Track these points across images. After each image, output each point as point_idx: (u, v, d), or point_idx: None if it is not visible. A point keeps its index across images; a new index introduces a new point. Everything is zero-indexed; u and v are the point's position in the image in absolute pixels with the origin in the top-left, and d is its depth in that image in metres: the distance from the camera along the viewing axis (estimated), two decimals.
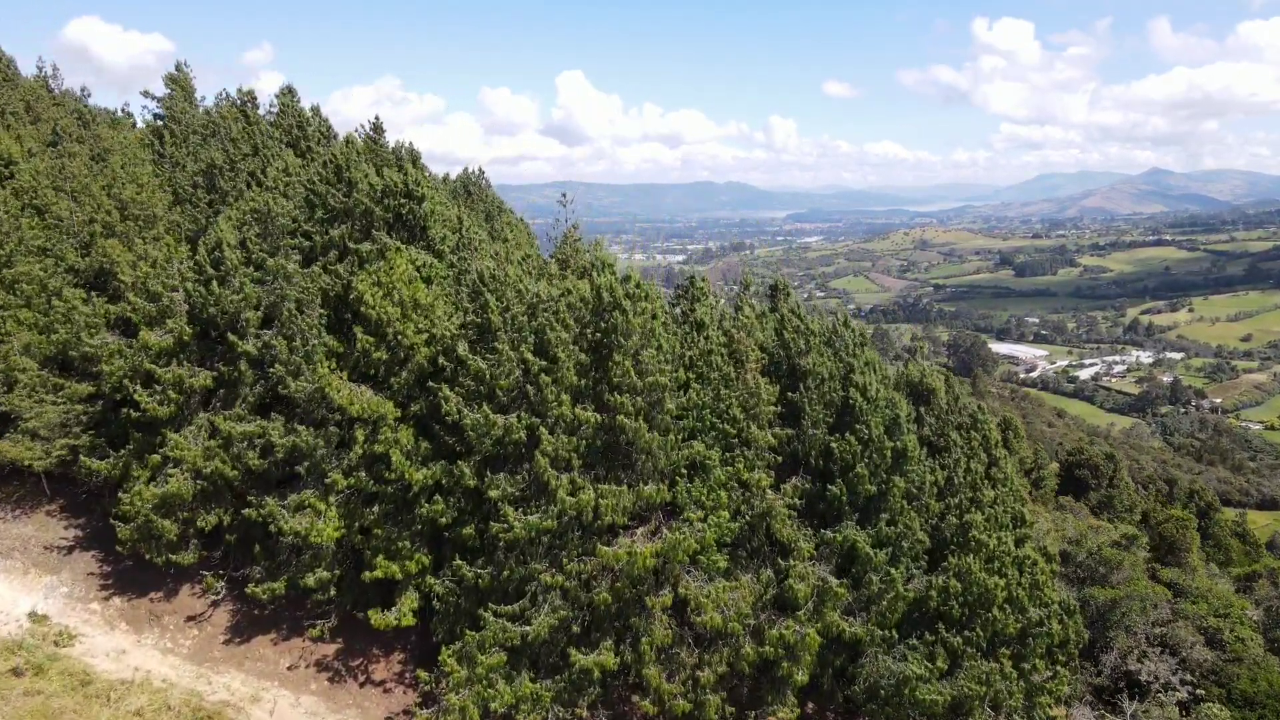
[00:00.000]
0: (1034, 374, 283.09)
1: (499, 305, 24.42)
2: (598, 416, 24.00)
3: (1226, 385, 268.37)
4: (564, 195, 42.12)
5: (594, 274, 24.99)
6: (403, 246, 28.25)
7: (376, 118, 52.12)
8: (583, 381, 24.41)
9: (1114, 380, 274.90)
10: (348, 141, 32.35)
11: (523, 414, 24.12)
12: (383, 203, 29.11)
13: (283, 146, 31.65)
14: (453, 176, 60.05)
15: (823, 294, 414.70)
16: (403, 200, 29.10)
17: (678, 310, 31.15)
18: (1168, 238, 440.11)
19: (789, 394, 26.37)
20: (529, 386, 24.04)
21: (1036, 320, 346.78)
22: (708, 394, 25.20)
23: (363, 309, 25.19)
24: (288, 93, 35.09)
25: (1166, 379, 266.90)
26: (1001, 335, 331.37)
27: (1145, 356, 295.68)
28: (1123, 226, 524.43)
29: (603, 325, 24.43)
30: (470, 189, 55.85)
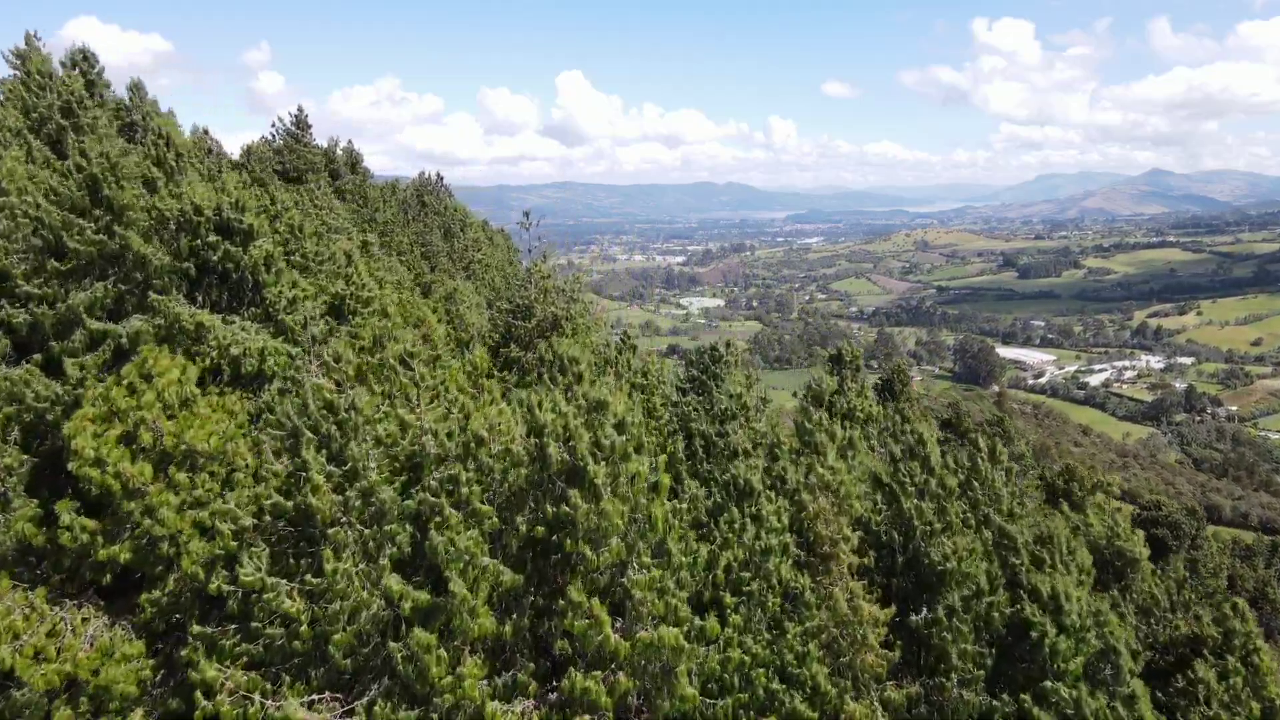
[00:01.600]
0: (1042, 380, 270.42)
1: (330, 472, 11.50)
2: (537, 713, 11.17)
3: (1241, 392, 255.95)
4: (526, 214, 29.28)
5: (539, 405, 12.03)
6: (208, 323, 15.28)
7: (299, 108, 39.06)
8: (506, 626, 11.62)
9: (1125, 386, 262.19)
10: (160, 138, 19.30)
11: (382, 701, 11.30)
12: (178, 242, 16.16)
13: (33, 141, 18.70)
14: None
15: (824, 296, 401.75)
16: (214, 239, 16.10)
17: (691, 402, 18.21)
18: (1171, 239, 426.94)
19: (909, 614, 13.54)
20: (393, 644, 11.24)
21: (1042, 323, 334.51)
22: (760, 637, 12.36)
23: (76, 466, 12.31)
24: (82, 58, 21.77)
25: (1180, 385, 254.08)
26: (1007, 339, 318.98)
27: (1155, 361, 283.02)
28: (1125, 227, 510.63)
29: (550, 510, 11.63)
30: (424, 199, 42.96)
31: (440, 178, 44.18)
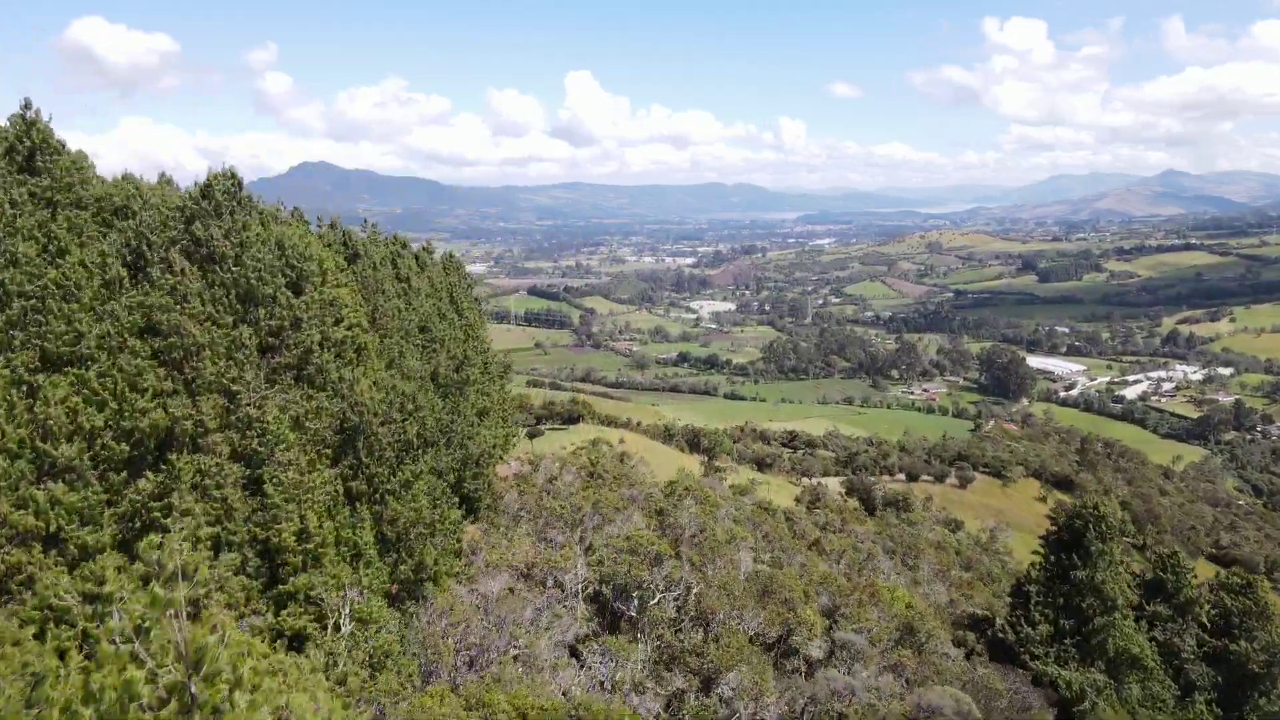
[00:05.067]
0: (1073, 392, 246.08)
1: None
2: None
3: None
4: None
5: None
6: None
7: None
8: None
9: (1164, 400, 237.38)
10: None
11: None
12: None
13: None
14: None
15: (838, 300, 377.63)
16: None
17: None
18: (1194, 241, 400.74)
19: None
20: None
21: (1067, 330, 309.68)
22: None
23: None
24: None
25: (1224, 399, 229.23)
26: (1031, 346, 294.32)
27: (1193, 372, 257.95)
28: (1142, 229, 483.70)
29: None
30: (196, 228, 19.73)
31: (238, 184, 20.66)
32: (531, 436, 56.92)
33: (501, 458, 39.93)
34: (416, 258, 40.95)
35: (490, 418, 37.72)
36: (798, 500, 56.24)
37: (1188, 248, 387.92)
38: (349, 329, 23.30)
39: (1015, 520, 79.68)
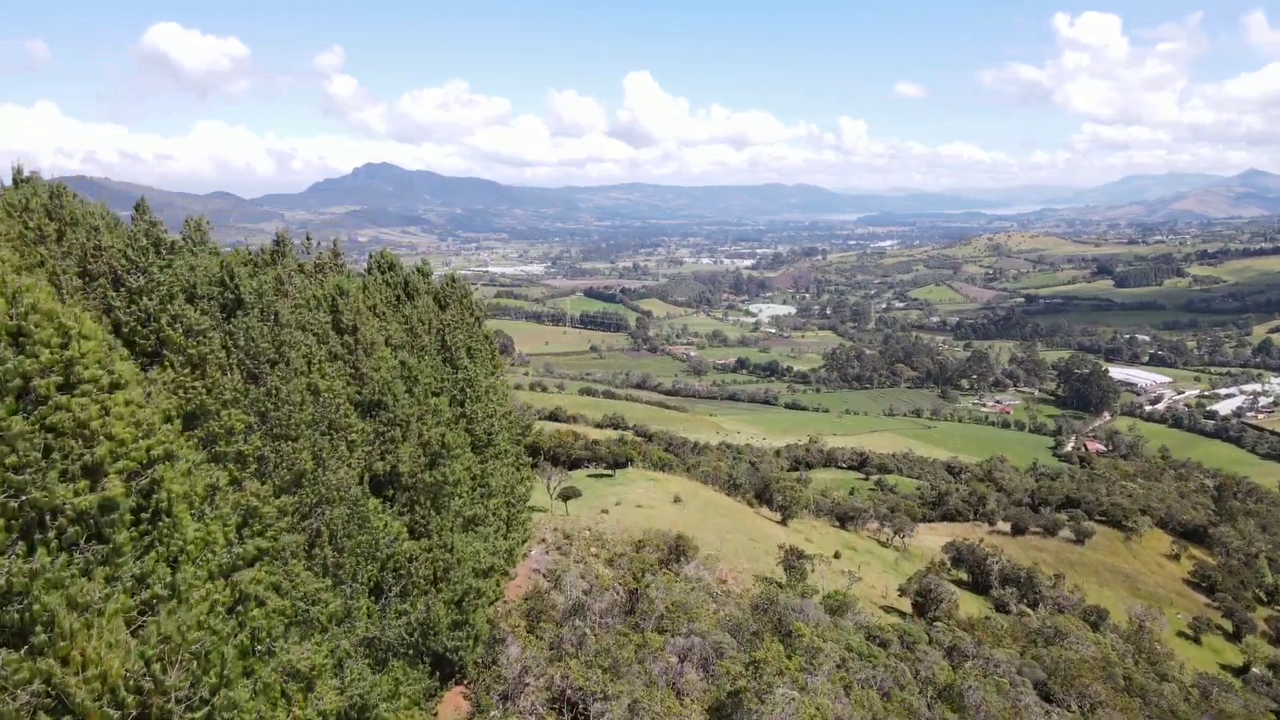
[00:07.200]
0: (1159, 406, 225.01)
1: None
2: None
3: None
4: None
5: None
6: None
7: None
8: None
9: (1261, 416, 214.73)
10: None
11: None
12: None
13: None
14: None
15: (902, 304, 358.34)
16: None
17: None
18: None
19: None
20: None
21: (1149, 338, 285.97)
22: None
23: None
24: None
25: None
26: (1111, 356, 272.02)
27: None
28: (1225, 231, 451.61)
29: None
30: None
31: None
32: (565, 498, 44.55)
33: (507, 573, 27.91)
34: (406, 283, 29.00)
35: (489, 523, 25.54)
36: (902, 591, 42.96)
37: (1276, 251, 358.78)
38: (137, 474, 10.95)
39: (1149, 589, 64.77)
